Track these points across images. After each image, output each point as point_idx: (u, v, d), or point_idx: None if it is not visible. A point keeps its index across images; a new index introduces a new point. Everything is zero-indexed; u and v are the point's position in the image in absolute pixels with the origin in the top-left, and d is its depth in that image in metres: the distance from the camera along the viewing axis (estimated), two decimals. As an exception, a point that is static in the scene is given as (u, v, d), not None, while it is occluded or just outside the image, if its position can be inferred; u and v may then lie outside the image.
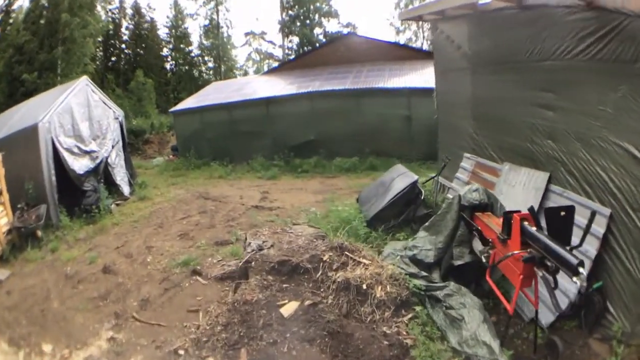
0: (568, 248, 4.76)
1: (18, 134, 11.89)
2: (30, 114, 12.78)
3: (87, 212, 12.27)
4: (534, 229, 5.11)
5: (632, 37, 5.44)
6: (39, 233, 10.62)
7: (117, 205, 13.84)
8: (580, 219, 5.54)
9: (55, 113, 12.24)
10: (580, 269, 4.27)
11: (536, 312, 5.51)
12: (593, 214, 5.09)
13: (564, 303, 5.86)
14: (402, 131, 19.33)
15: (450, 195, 9.43)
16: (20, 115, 13.75)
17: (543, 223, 5.36)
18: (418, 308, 6.35)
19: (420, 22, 45.57)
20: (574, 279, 4.31)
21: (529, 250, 5.02)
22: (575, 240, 5.06)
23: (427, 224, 7.62)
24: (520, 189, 7.64)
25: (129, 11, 51.78)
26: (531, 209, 5.40)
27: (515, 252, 5.13)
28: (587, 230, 5.00)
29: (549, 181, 7.12)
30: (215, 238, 10.08)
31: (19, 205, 10.81)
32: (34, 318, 7.28)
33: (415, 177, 9.84)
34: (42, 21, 32.60)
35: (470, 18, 9.21)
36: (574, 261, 4.32)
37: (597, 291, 5.90)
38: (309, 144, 20.17)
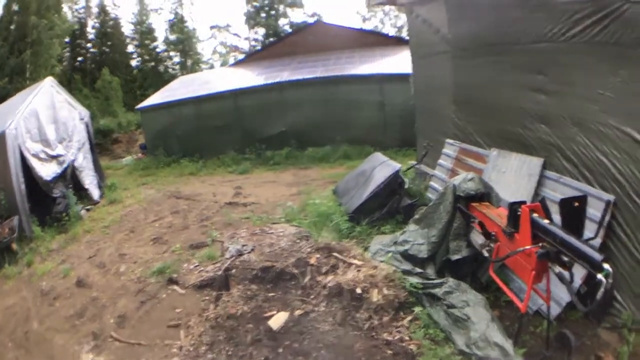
0: (586, 239, 4.51)
1: (-15, 143, 11.42)
2: (-3, 121, 12.31)
3: (57, 221, 11.77)
4: (546, 221, 4.77)
5: (633, 23, 5.21)
6: (14, 246, 10.21)
7: (88, 210, 13.35)
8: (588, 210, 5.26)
9: (22, 118, 11.74)
10: (605, 265, 3.97)
11: (548, 308, 5.23)
12: (608, 204, 4.87)
13: (568, 295, 5.46)
14: (375, 118, 19.14)
15: (434, 184, 9.28)
16: (-14, 123, 13.28)
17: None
18: (417, 309, 6.02)
19: (388, 9, 45.64)
20: (599, 276, 3.99)
21: (542, 244, 4.69)
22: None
23: (417, 216, 7.32)
24: (511, 175, 7.38)
25: (95, 10, 50.97)
26: (542, 201, 5.09)
27: (528, 247, 4.79)
28: (602, 221, 4.82)
29: (544, 167, 6.87)
30: (190, 240, 9.73)
31: (-9, 218, 10.38)
32: (18, 341, 6.98)
33: (398, 165, 9.49)
34: (12, 26, 32.12)
35: (449, 1, 8.93)
36: (598, 257, 4.03)
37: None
38: (281, 135, 19.87)
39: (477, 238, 6.31)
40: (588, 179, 6.10)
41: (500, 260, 5.44)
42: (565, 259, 4.42)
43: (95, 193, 14.53)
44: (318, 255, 6.92)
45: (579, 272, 5.51)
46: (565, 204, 4.75)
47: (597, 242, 5.57)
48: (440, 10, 9.39)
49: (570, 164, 6.42)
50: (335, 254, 6.94)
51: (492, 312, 5.66)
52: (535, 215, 4.87)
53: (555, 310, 5.77)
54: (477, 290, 6.02)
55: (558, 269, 4.59)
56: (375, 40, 26.74)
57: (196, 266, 8.28)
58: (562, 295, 5.60)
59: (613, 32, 5.50)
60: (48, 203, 11.98)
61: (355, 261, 6.75)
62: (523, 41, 7.11)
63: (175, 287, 7.72)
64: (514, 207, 5.14)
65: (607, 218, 5.01)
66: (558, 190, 6.44)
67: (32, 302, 8.08)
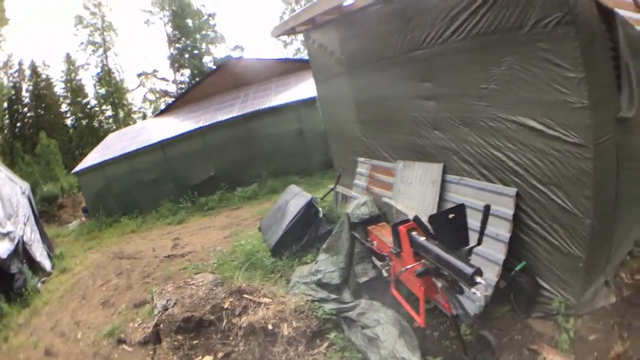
0: (467, 249, 4.65)
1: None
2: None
3: (20, 296, 11.73)
4: (422, 238, 4.81)
5: (512, 4, 5.26)
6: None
7: (43, 282, 13.19)
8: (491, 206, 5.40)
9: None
10: (477, 279, 3.97)
11: (453, 317, 5.20)
12: (487, 207, 4.98)
13: (487, 291, 5.58)
14: (296, 146, 19.46)
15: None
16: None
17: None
18: (332, 335, 6.08)
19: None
20: (472, 290, 4.03)
21: (422, 262, 4.75)
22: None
23: (325, 245, 7.47)
24: (417, 184, 7.40)
25: (27, 72, 51.44)
26: (416, 218, 5.11)
27: (409, 266, 4.85)
28: (483, 226, 4.87)
29: (445, 172, 6.90)
30: (133, 300, 9.85)
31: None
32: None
33: (309, 196, 9.59)
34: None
35: (339, 22, 9.02)
36: (469, 271, 4.01)
37: (522, 271, 5.73)
38: (210, 180, 19.92)
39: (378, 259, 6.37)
40: (487, 176, 6.15)
41: (394, 278, 5.49)
42: (445, 273, 4.43)
43: (46, 264, 14.34)
44: (231, 299, 7.01)
45: (493, 271, 5.49)
46: (437, 219, 4.84)
47: (506, 236, 5.67)
48: (332, 32, 9.48)
49: (467, 165, 6.46)
50: (245, 295, 7.05)
51: (406, 325, 5.60)
52: (414, 233, 4.91)
53: (475, 309, 5.76)
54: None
55: (442, 283, 4.61)
56: (292, 67, 27.00)
57: (140, 324, 8.40)
58: (481, 295, 5.43)
59: (493, 19, 5.53)
60: (8, 280, 11.85)
61: (265, 299, 6.86)
62: (406, 51, 7.17)
63: (124, 346, 7.88)
64: (395, 228, 5.15)
65: (487, 220, 4.96)
66: (460, 192, 6.49)
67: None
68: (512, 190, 5.71)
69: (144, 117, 54.92)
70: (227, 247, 11.49)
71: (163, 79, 58.34)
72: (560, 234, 5.39)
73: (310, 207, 9.27)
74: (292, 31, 10.63)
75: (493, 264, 5.66)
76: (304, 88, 20.93)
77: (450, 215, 4.87)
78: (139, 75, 58.28)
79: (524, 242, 5.76)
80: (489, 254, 5.72)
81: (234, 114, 20.87)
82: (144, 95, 59.92)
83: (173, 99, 46.02)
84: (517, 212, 5.71)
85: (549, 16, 4.93)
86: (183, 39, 52.92)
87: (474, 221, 5.30)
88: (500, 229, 5.71)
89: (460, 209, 4.93)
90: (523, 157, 5.59)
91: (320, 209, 9.53)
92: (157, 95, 58.92)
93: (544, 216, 5.51)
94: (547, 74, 5.13)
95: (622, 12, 6.90)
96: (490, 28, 5.56)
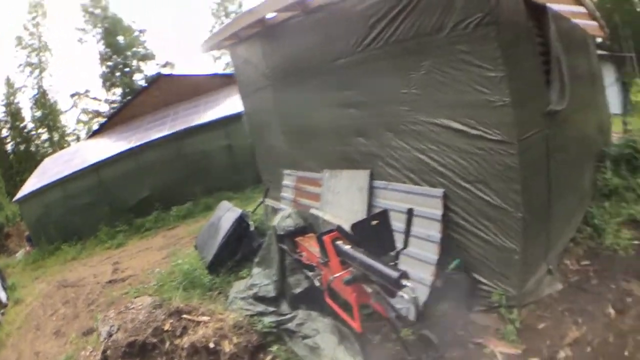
0: (394, 253, 4.70)
1: None
2: None
3: None
4: (347, 246, 4.82)
5: (431, 8, 5.36)
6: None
7: (2, 315, 12.93)
8: (417, 208, 5.80)
9: None
10: (404, 282, 3.97)
11: (391, 319, 5.20)
12: (409, 211, 5.05)
13: (422, 293, 5.63)
14: (227, 162, 19.44)
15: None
16: None
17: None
18: (275, 347, 6.02)
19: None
20: (399, 293, 4.06)
21: (350, 269, 4.74)
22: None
23: (257, 259, 7.51)
24: (345, 193, 7.45)
25: None
26: (339, 228, 5.14)
27: (337, 275, 4.85)
28: (408, 229, 4.91)
29: (372, 178, 6.95)
30: (82, 328, 9.67)
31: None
32: None
33: (239, 211, 9.62)
34: None
35: (262, 35, 9.00)
36: (394, 275, 4.01)
37: (458, 269, 5.78)
38: (145, 200, 19.56)
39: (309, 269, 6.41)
40: (413, 179, 6.20)
41: (326, 288, 5.50)
42: (373, 279, 4.43)
43: (2, 296, 14.10)
44: (171, 320, 6.90)
45: (428, 271, 5.54)
46: (359, 226, 4.88)
47: (437, 236, 5.71)
48: (256, 47, 9.48)
49: (393, 170, 6.53)
50: (184, 315, 6.97)
51: (346, 331, 5.63)
52: (339, 242, 4.91)
53: (413, 312, 5.71)
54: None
55: (373, 288, 4.65)
56: (221, 82, 26.67)
57: (91, 352, 8.25)
58: (419, 295, 5.51)
59: (411, 24, 5.64)
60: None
61: (203, 318, 6.80)
62: (327, 61, 7.22)
63: (80, 375, 7.75)
64: (320, 238, 5.14)
65: (411, 224, 5.03)
66: (389, 197, 6.52)
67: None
68: (439, 191, 5.78)
69: (78, 139, 53.30)
70: (165, 268, 11.35)
71: (95, 98, 56.47)
72: (492, 229, 5.48)
73: (241, 221, 9.27)
74: (218, 46, 10.59)
75: (427, 264, 5.70)
76: (232, 103, 20.71)
77: (374, 222, 4.91)
78: (73, 95, 56.19)
79: (457, 240, 5.82)
80: (422, 255, 5.76)
81: (165, 132, 20.70)
82: (78, 117, 57.99)
83: (105, 119, 45.39)
84: (447, 212, 5.77)
85: (469, 17, 5.03)
86: (114, 56, 51.60)
87: (404, 225, 5.36)
88: (431, 230, 5.75)
89: (383, 214, 4.98)
90: (448, 158, 5.68)
91: (251, 223, 9.54)
92: (90, 116, 56.99)
93: (474, 214, 5.59)
94: (468, 75, 5.22)
95: (558, 6, 7.09)
96: (409, 34, 5.68)
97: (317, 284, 5.90)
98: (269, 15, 7.89)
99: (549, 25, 6.56)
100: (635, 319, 5.22)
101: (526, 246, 5.39)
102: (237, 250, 9.07)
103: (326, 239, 4.98)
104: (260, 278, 7.10)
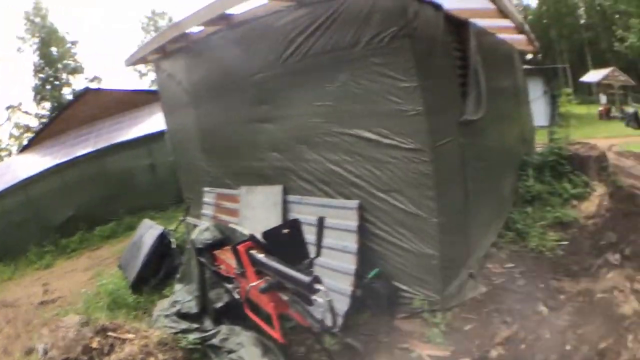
0: (307, 261, 4.67)
1: None
2: None
3: None
4: (261, 255, 4.80)
5: (349, 22, 5.44)
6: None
7: None
8: (332, 220, 5.79)
9: None
10: (317, 286, 3.98)
11: (309, 328, 5.12)
12: (320, 220, 5.03)
13: (344, 304, 5.66)
14: (149, 181, 19.13)
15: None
16: None
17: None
18: None
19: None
20: (313, 297, 4.05)
21: (265, 278, 4.73)
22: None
23: (178, 275, 7.38)
24: (261, 208, 7.44)
25: None
26: (252, 237, 5.14)
27: (253, 284, 4.81)
28: (319, 238, 4.90)
29: (286, 192, 6.99)
30: (24, 347, 8.86)
31: None
32: None
33: (161, 228, 9.52)
34: None
35: (187, 50, 8.90)
36: (306, 279, 4.03)
37: (377, 277, 5.82)
38: (70, 220, 18.97)
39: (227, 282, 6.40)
40: (328, 192, 6.27)
41: (244, 299, 5.48)
42: (289, 287, 4.44)
43: None
44: (98, 338, 6.67)
45: (348, 281, 5.59)
46: (271, 235, 4.88)
47: (354, 247, 5.74)
48: (180, 61, 9.39)
49: (307, 183, 6.58)
50: (110, 333, 6.76)
51: (269, 343, 5.53)
52: (253, 251, 4.89)
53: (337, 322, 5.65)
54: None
55: (289, 296, 4.63)
56: (146, 99, 25.97)
57: None
58: (340, 305, 5.58)
59: (327, 40, 5.70)
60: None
61: (129, 335, 6.60)
62: (246, 76, 7.21)
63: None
64: (234, 249, 5.13)
65: (322, 232, 5.07)
66: (304, 211, 6.51)
67: None
68: (354, 203, 5.84)
69: (10, 154, 51.69)
70: (92, 289, 11.05)
71: (26, 112, 54.86)
72: (409, 236, 5.55)
73: (162, 239, 9.17)
74: (144, 60, 10.42)
75: (346, 275, 5.72)
76: (156, 120, 19.96)
77: (285, 230, 4.92)
78: (7, 108, 54.48)
79: (376, 250, 5.87)
80: (341, 267, 5.78)
81: (89, 149, 20.23)
82: (10, 131, 56.30)
83: (33, 134, 44.44)
84: (363, 222, 5.82)
85: (385, 31, 5.14)
86: (47, 68, 50.44)
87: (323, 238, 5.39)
88: (348, 242, 5.78)
89: (294, 223, 4.98)
90: (362, 168, 5.75)
91: (173, 240, 9.48)
92: (21, 130, 55.32)
93: (391, 223, 5.65)
94: (382, 86, 5.32)
95: (484, 21, 7.25)
96: (326, 48, 5.73)
97: (236, 296, 5.88)
98: (193, 30, 7.81)
99: (469, 39, 6.73)
100: (572, 314, 5.35)
101: (444, 251, 5.48)
102: (160, 269, 8.97)
103: (240, 248, 4.96)
104: (182, 294, 7.00)
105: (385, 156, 5.46)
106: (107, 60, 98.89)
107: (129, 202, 18.45)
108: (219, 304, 6.46)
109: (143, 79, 54.22)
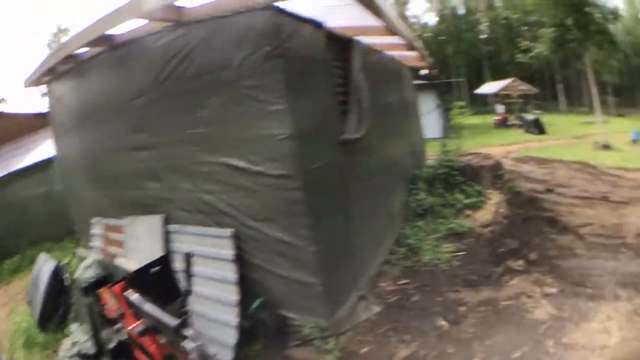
0: (180, 300, 4.47)
1: None
2: None
3: None
4: (135, 296, 4.53)
5: (226, 40, 5.29)
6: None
7: None
8: (210, 249, 5.76)
9: None
10: (184, 331, 3.79)
11: None
12: (187, 255, 4.79)
13: (231, 336, 5.46)
14: (47, 210, 17.92)
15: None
16: None
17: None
18: None
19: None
20: (182, 344, 3.80)
21: (143, 320, 4.49)
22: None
23: (72, 314, 7.20)
24: (144, 239, 7.20)
25: None
26: (126, 276, 4.88)
27: (132, 326, 4.59)
28: (187, 273, 4.70)
29: (168, 222, 6.75)
30: None
31: None
32: None
33: (54, 263, 9.09)
34: None
35: (76, 72, 8.50)
36: (172, 324, 3.84)
37: (261, 308, 5.65)
38: None
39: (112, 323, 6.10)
40: (204, 221, 6.06)
41: (130, 341, 5.20)
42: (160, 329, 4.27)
43: None
44: None
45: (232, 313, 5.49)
46: (139, 274, 4.67)
47: (233, 277, 5.59)
48: (70, 83, 8.96)
49: (184, 212, 6.37)
50: None
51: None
52: (128, 291, 4.62)
53: (227, 356, 5.53)
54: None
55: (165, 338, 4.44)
56: (46, 122, 25.11)
57: None
58: (227, 338, 5.45)
59: (202, 61, 5.53)
60: None
61: None
62: (128, 99, 6.89)
63: None
64: (111, 288, 4.99)
65: (190, 268, 4.88)
66: (184, 240, 6.34)
67: None
68: (228, 232, 5.67)
69: None
70: (10, 326, 10.47)
71: None
72: (287, 266, 5.43)
73: (57, 274, 8.78)
74: (38, 82, 9.91)
75: (229, 306, 5.56)
76: (51, 144, 19.69)
77: (154, 269, 4.70)
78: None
79: (257, 280, 5.73)
80: (223, 297, 5.63)
81: (-14, 177, 19.45)
82: None
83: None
84: (240, 252, 5.68)
85: (257, 51, 4.99)
86: (-47, 89, 48.56)
87: (201, 268, 5.24)
88: (226, 272, 5.63)
89: (163, 260, 4.80)
90: (232, 197, 5.61)
91: (67, 276, 9.01)
92: None
93: (268, 252, 5.52)
94: (251, 111, 5.19)
95: (371, 38, 7.21)
96: (200, 71, 5.54)
97: (123, 337, 5.54)
98: (80, 51, 7.51)
99: (352, 57, 6.70)
100: (476, 325, 5.36)
101: (327, 277, 5.39)
102: (59, 305, 8.55)
103: (115, 289, 4.75)
104: (79, 334, 6.71)
105: (254, 184, 5.33)
106: (13, 80, 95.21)
107: (28, 233, 17.59)
108: (111, 345, 6.12)
109: (44, 99, 52.55)
